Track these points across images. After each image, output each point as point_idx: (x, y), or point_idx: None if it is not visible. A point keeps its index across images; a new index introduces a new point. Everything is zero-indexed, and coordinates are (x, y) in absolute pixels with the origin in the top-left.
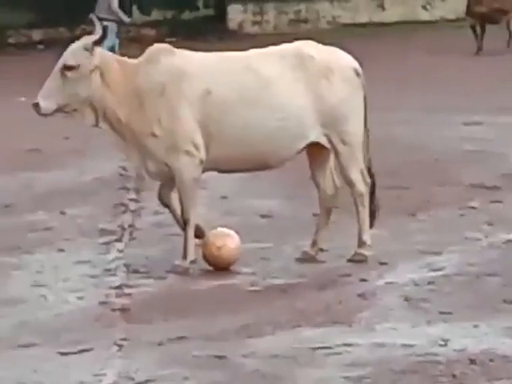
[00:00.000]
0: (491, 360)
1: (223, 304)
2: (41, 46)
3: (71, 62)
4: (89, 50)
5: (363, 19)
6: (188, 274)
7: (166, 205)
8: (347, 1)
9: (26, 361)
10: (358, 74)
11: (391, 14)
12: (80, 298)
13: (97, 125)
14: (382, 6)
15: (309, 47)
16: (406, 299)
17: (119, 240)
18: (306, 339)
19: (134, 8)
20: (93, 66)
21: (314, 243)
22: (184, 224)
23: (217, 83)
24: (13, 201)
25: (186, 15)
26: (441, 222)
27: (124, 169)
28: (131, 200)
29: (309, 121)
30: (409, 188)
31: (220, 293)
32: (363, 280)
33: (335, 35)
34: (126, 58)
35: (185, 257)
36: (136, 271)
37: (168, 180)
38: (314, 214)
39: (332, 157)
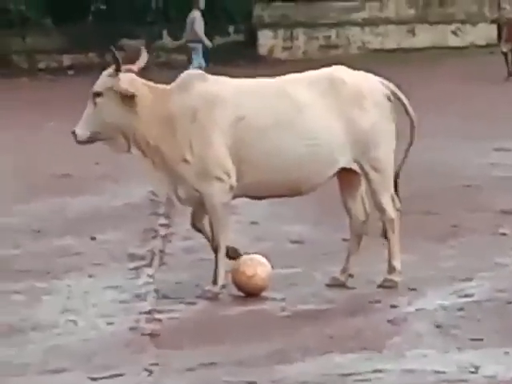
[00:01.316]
0: None
1: (253, 330)
2: (71, 72)
3: (97, 89)
4: (112, 76)
5: (393, 45)
6: (218, 299)
7: (199, 230)
8: (377, 26)
9: None
10: (389, 100)
11: (421, 40)
12: (110, 324)
13: (129, 151)
14: (412, 32)
15: (341, 72)
16: (436, 325)
17: (149, 265)
18: (336, 365)
19: (165, 33)
20: (118, 91)
21: (345, 269)
22: (215, 250)
23: (249, 109)
24: (43, 226)
25: (217, 41)
26: (471, 248)
27: (154, 194)
28: (161, 225)
29: (340, 146)
30: (439, 213)
31: (250, 318)
32: (393, 306)
33: (365, 60)
34: (155, 84)
35: (215, 282)
36: (166, 296)
37: (198, 206)
38: (344, 239)
39: (363, 183)
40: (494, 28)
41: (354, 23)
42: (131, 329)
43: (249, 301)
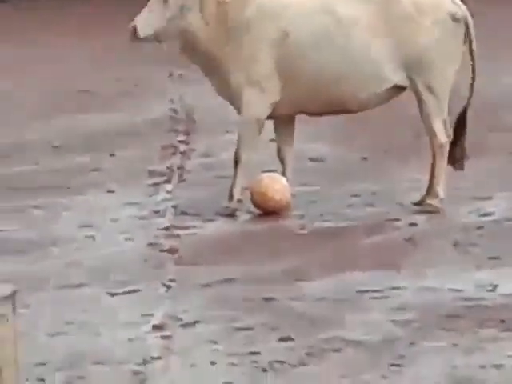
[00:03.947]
0: None
1: (271, 246)
2: None
3: None
4: None
5: None
6: (236, 215)
7: (282, 160)
8: None
9: (74, 300)
10: (455, 19)
11: None
12: (128, 239)
13: (182, 52)
14: None
15: None
16: (455, 244)
17: (168, 182)
18: (354, 283)
19: None
20: None
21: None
22: (235, 162)
23: (294, 24)
24: (62, 142)
25: None
26: (491, 168)
27: (174, 111)
28: (180, 142)
29: (389, 64)
30: None
31: (268, 235)
32: (412, 224)
33: None
34: None
35: (231, 197)
36: (184, 213)
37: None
38: (363, 158)
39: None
40: None
41: None
42: (150, 245)
43: (267, 218)
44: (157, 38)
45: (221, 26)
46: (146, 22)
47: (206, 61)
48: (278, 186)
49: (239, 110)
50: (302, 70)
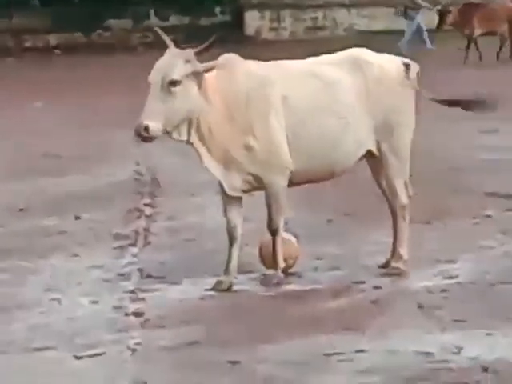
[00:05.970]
0: (504, 368)
1: (237, 309)
2: (57, 51)
3: (176, 77)
4: (190, 62)
5: (380, 27)
6: (283, 283)
7: (234, 226)
8: (364, 8)
9: (39, 364)
10: (412, 80)
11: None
12: (94, 303)
13: (189, 141)
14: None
15: (365, 53)
16: (420, 306)
17: (133, 245)
18: (319, 345)
19: (152, 13)
20: (192, 77)
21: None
22: (273, 233)
23: (291, 89)
24: (27, 205)
25: (203, 21)
26: (455, 230)
27: (139, 173)
28: (146, 205)
29: (367, 127)
30: (424, 195)
31: (234, 298)
32: (377, 287)
33: (352, 42)
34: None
35: (276, 266)
36: (150, 276)
37: (246, 193)
38: (328, 221)
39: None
40: None
41: (341, 5)
42: (115, 308)
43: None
44: (164, 130)
45: (218, 104)
46: (154, 118)
47: (212, 144)
48: (286, 247)
49: (230, 186)
50: (303, 136)
